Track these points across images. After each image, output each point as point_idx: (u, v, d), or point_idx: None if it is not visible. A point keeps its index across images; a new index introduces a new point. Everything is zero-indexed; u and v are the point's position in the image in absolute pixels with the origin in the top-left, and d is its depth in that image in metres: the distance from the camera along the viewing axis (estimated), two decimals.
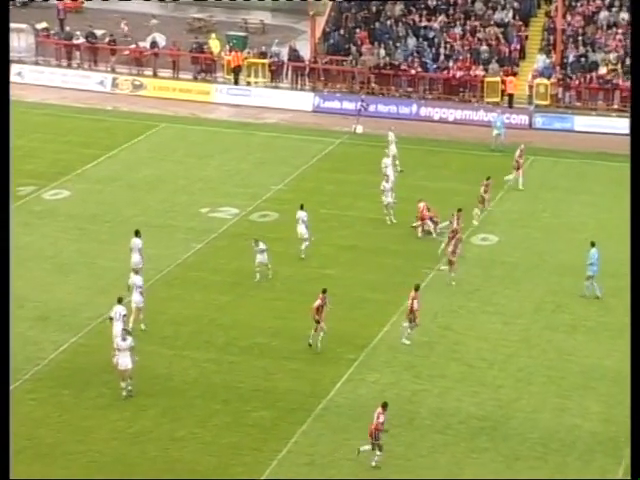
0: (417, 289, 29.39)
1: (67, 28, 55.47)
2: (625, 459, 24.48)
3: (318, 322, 28.66)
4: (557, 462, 24.45)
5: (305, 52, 52.34)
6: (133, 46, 53.77)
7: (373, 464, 24.07)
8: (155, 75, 52.80)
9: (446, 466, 24.27)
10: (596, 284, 31.69)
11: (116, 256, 34.49)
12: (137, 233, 32.19)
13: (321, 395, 26.89)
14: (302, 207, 34.32)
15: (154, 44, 53.83)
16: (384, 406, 24.19)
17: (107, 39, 54.08)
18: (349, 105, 48.91)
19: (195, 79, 52.47)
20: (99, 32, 54.94)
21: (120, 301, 28.20)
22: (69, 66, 53.78)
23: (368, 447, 24.12)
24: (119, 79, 52.25)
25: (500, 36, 50.25)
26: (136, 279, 29.59)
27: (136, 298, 29.26)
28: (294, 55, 51.51)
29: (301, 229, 33.99)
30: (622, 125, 46.67)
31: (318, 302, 28.70)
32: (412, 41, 51.11)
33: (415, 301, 28.99)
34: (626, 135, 46.03)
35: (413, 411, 26.31)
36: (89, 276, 33.18)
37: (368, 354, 28.89)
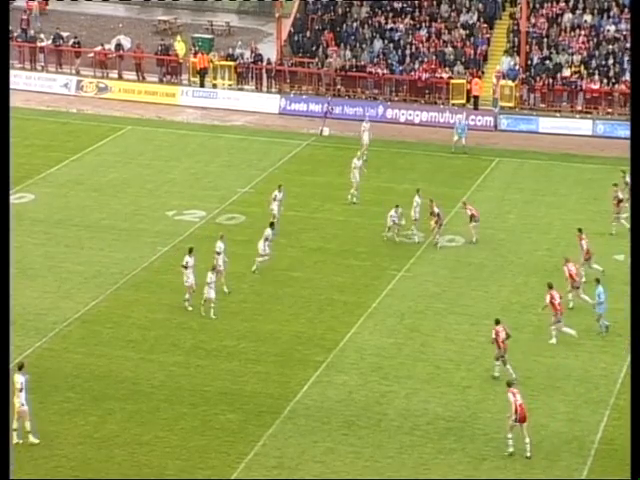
0: (551, 287, 29.19)
1: (32, 31, 55.06)
2: (590, 458, 24.70)
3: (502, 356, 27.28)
4: (524, 462, 24.56)
5: (271, 54, 52.34)
6: (98, 48, 53.50)
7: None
8: (120, 77, 52.55)
9: (413, 467, 24.33)
10: (605, 321, 29.88)
11: (82, 260, 34.33)
12: (272, 225, 33.97)
13: (289, 397, 26.87)
14: (272, 225, 33.82)
15: (119, 46, 53.60)
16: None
17: (71, 41, 53.77)
18: (315, 107, 48.96)
19: (161, 81, 52.30)
20: (64, 34, 54.61)
21: (191, 251, 30.69)
22: (33, 69, 53.42)
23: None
24: (84, 82, 51.96)
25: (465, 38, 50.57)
26: (218, 244, 31.85)
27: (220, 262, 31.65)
28: (258, 57, 51.49)
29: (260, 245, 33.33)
30: (586, 126, 47.14)
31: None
32: (378, 43, 51.25)
33: (550, 297, 28.92)
34: (589, 136, 46.92)
35: (381, 412, 26.35)
36: (55, 280, 32.97)
37: (336, 356, 28.91)
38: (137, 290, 32.30)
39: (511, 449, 24.48)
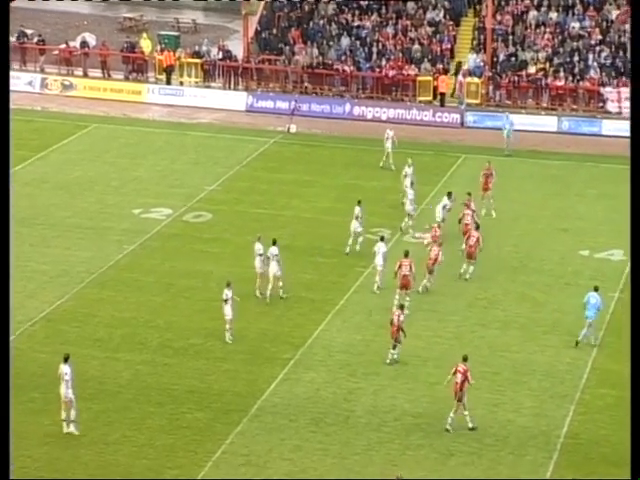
0: (407, 255, 30.82)
1: None
2: (556, 453, 24.87)
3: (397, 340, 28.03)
4: (491, 457, 24.71)
5: (238, 52, 52.22)
6: (63, 46, 53.13)
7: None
8: (85, 75, 52.25)
9: (381, 464, 24.37)
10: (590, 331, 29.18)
11: (48, 259, 34.09)
12: (359, 202, 33.91)
13: (256, 395, 26.85)
14: (382, 239, 32.63)
15: (84, 44, 53.27)
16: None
17: (35, 39, 53.36)
18: (283, 104, 48.91)
19: (126, 79, 52.03)
20: (28, 31, 54.21)
21: (229, 285, 29.24)
22: None
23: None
24: (48, 79, 51.60)
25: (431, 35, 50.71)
26: (272, 249, 31.40)
27: (274, 268, 31.21)
28: (226, 54, 51.36)
29: (377, 259, 32.04)
30: (551, 123, 47.44)
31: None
32: (345, 40, 51.27)
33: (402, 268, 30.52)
34: (555, 133, 47.23)
35: (348, 409, 26.38)
36: (20, 279, 32.55)
37: (303, 353, 28.92)
38: (103, 289, 32.13)
39: (448, 426, 25.31)
